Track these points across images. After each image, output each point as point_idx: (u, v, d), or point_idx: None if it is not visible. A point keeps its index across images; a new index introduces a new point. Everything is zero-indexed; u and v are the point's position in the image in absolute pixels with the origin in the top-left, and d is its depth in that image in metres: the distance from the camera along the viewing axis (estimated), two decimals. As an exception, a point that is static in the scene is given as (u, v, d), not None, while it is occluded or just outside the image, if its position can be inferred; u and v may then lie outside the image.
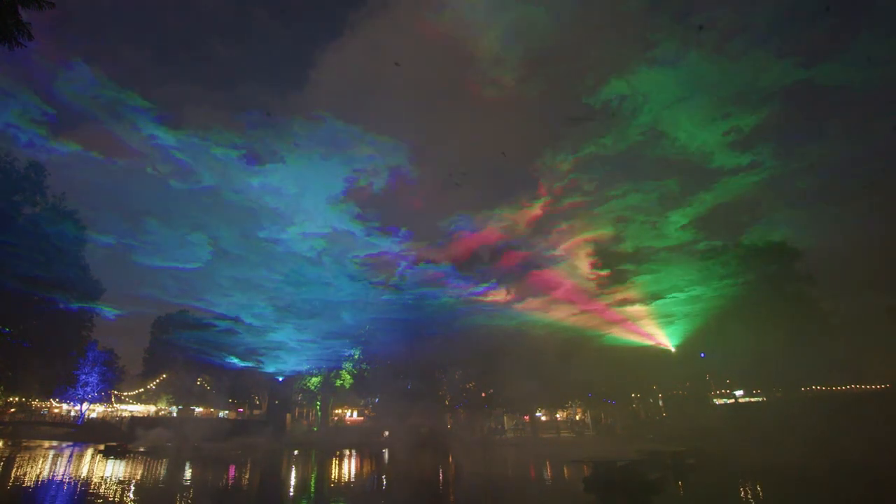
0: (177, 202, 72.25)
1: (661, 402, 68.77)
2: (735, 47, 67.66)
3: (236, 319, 71.60)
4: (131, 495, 25.10)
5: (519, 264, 74.83)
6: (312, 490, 28.91)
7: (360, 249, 75.86)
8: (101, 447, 46.10)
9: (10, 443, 55.82)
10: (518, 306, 73.07)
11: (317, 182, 74.18)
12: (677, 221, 72.14)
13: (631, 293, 69.96)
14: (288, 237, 74.39)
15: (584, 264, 74.00)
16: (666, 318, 66.07)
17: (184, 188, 72.19)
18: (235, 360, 70.67)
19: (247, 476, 35.90)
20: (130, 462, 40.12)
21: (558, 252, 76.84)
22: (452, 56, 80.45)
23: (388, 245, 75.22)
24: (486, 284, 72.86)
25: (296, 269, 73.64)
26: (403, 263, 75.09)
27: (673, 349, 63.04)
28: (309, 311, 72.07)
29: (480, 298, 73.42)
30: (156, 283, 73.22)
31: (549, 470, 37.32)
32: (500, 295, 73.80)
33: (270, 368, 71.14)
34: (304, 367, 71.72)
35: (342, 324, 71.75)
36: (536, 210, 79.26)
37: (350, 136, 74.25)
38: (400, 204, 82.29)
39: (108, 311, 63.63)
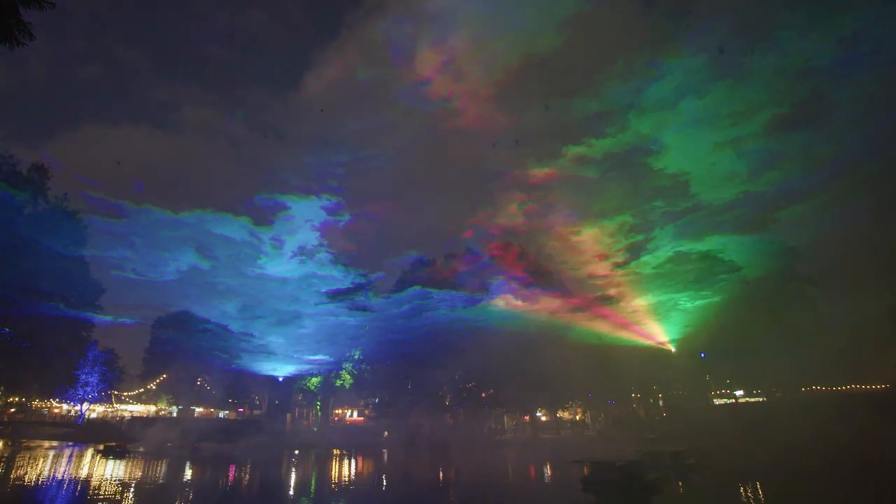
0: (159, 226, 74.94)
1: (661, 402, 68.75)
2: (734, 55, 67.93)
3: (223, 326, 73.69)
4: (131, 496, 25.10)
5: (507, 270, 75.74)
6: (312, 490, 28.92)
7: (334, 279, 79.48)
8: (101, 447, 46.02)
9: (10, 443, 55.74)
10: (501, 306, 74.23)
11: (297, 218, 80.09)
12: (673, 223, 72.39)
13: (628, 294, 70.05)
14: (265, 269, 79.40)
15: (575, 266, 74.71)
16: (665, 319, 66.10)
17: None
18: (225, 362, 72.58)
19: (247, 476, 35.88)
20: (130, 462, 40.10)
21: (549, 254, 77.67)
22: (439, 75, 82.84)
23: (359, 275, 79.00)
24: (473, 294, 74.73)
25: (275, 288, 78.77)
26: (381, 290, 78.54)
27: (673, 349, 63.05)
28: (282, 322, 76.06)
29: (471, 306, 74.63)
30: (140, 293, 75.98)
31: (548, 470, 37.30)
32: (486, 301, 75.18)
33: (254, 370, 73.40)
34: (289, 372, 73.58)
35: (315, 336, 75.35)
36: (522, 217, 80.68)
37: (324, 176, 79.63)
38: (375, 233, 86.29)
39: (103, 318, 64.12)
